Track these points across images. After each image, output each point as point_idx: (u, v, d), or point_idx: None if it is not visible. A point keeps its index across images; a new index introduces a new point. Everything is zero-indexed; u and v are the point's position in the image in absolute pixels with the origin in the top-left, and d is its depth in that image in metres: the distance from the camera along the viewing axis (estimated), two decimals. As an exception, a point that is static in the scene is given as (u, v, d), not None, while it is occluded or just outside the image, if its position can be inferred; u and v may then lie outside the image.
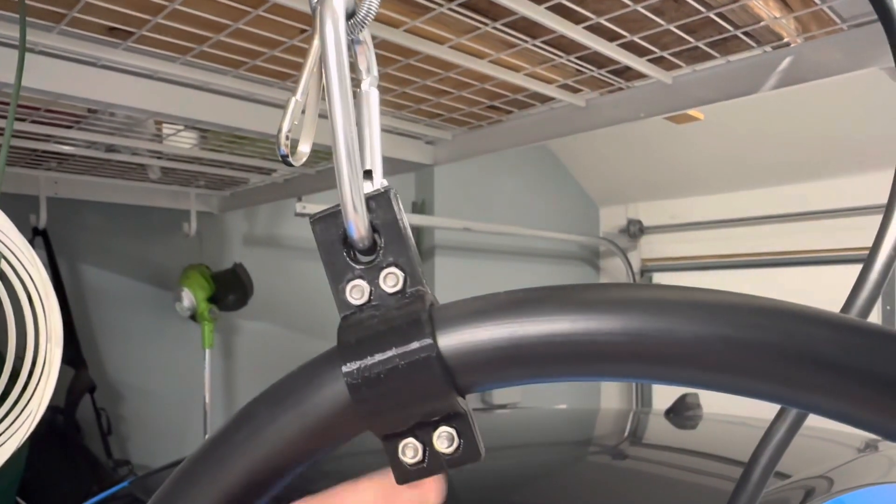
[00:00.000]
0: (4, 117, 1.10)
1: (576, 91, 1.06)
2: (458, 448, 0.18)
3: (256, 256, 2.10)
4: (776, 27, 0.83)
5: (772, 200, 2.74)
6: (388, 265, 0.19)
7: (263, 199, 1.84)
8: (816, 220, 2.63)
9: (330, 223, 0.19)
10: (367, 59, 0.21)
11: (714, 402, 1.80)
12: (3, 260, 0.43)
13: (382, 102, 1.12)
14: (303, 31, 0.83)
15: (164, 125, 1.27)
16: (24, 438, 0.41)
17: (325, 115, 0.19)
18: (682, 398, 1.64)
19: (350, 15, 0.19)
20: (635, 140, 2.75)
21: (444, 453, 0.18)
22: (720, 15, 0.80)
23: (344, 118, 0.18)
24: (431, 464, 0.18)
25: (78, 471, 1.61)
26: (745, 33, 0.84)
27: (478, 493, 1.02)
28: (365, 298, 0.19)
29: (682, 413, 1.61)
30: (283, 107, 0.79)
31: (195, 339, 1.87)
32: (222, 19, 0.79)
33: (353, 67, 0.20)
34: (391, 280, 0.18)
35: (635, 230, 3.15)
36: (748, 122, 2.43)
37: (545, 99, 1.10)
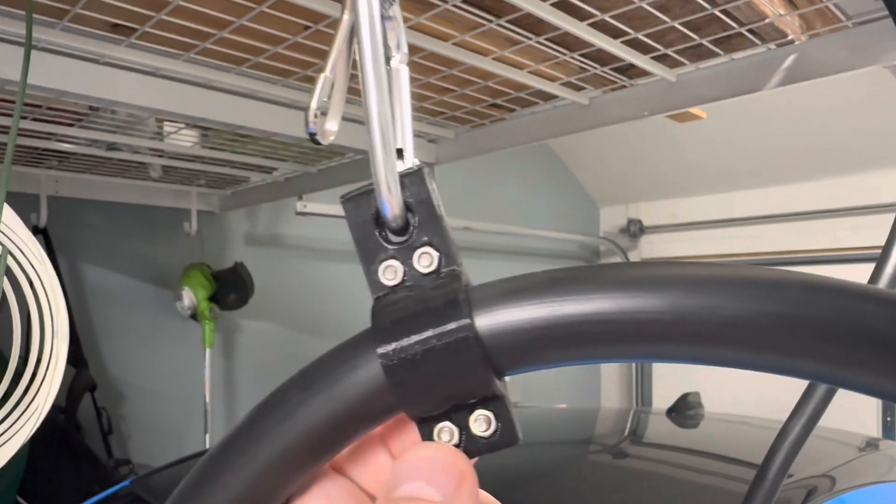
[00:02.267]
0: (5, 114, 1.10)
1: (579, 89, 1.06)
2: (495, 432, 0.18)
3: (257, 255, 2.10)
4: (781, 24, 0.83)
5: (772, 200, 2.74)
6: (422, 245, 0.18)
7: (264, 198, 1.83)
8: (817, 219, 2.63)
9: (362, 202, 0.19)
10: (398, 34, 0.20)
11: (714, 402, 1.80)
12: (10, 256, 0.43)
13: (385, 100, 1.11)
14: (306, 27, 0.83)
15: (166, 123, 1.27)
16: (32, 433, 0.41)
17: (353, 95, 0.18)
18: (684, 397, 1.64)
19: None
20: (636, 140, 2.75)
21: (481, 437, 0.18)
22: (725, 12, 0.80)
23: (378, 95, 0.18)
24: (468, 448, 0.18)
25: (78, 470, 1.61)
26: (750, 31, 0.84)
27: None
28: (399, 279, 0.18)
29: (683, 412, 1.61)
30: (284, 105, 0.79)
31: (196, 339, 1.86)
32: (226, 16, 0.79)
33: (384, 44, 0.20)
34: (425, 260, 0.18)
35: (636, 230, 3.15)
36: (749, 122, 2.43)
37: (548, 97, 1.09)
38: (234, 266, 1.84)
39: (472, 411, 0.18)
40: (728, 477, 1.19)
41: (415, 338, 0.17)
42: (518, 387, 2.58)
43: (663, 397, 2.89)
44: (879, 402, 2.48)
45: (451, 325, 0.16)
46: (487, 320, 0.16)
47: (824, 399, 0.38)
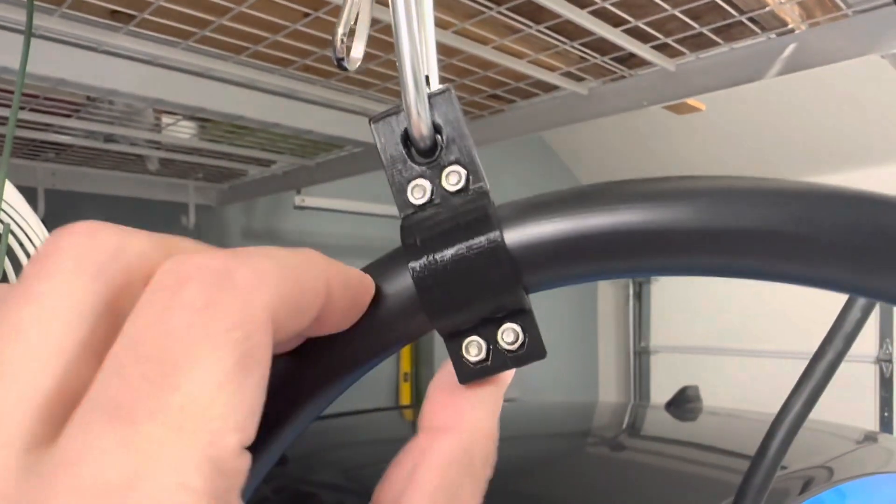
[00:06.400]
0: (3, 105, 1.09)
1: (579, 79, 1.06)
2: (522, 344, 0.18)
3: (255, 250, 2.09)
4: (781, 13, 0.83)
5: (770, 195, 2.73)
6: (450, 164, 0.19)
7: (262, 192, 1.83)
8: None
9: (391, 123, 0.19)
10: None
11: (713, 396, 1.80)
12: (11, 235, 0.43)
13: (383, 91, 1.11)
14: (306, 14, 0.82)
15: (164, 115, 1.26)
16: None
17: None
18: (683, 391, 1.64)
19: None
20: (633, 135, 2.75)
21: (507, 350, 0.18)
22: (725, 0, 0.80)
23: (406, 15, 0.18)
24: (495, 361, 0.18)
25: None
26: (750, 19, 0.84)
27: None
28: (427, 198, 0.19)
29: (682, 406, 1.61)
30: (283, 95, 0.78)
31: (193, 333, 1.86)
32: (225, 2, 0.79)
33: None
34: (453, 178, 0.18)
35: (633, 226, 3.15)
36: (749, 117, 2.43)
37: (548, 87, 1.09)
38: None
39: (500, 325, 0.18)
40: (726, 469, 1.19)
41: (446, 251, 0.17)
42: (515, 383, 2.58)
43: (661, 393, 2.89)
44: (877, 397, 2.49)
45: (482, 238, 0.17)
46: (516, 234, 0.17)
47: (825, 376, 0.39)
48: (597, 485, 1.08)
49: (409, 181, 0.19)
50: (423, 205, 0.19)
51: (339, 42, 0.20)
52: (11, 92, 0.97)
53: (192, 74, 1.00)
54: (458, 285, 0.17)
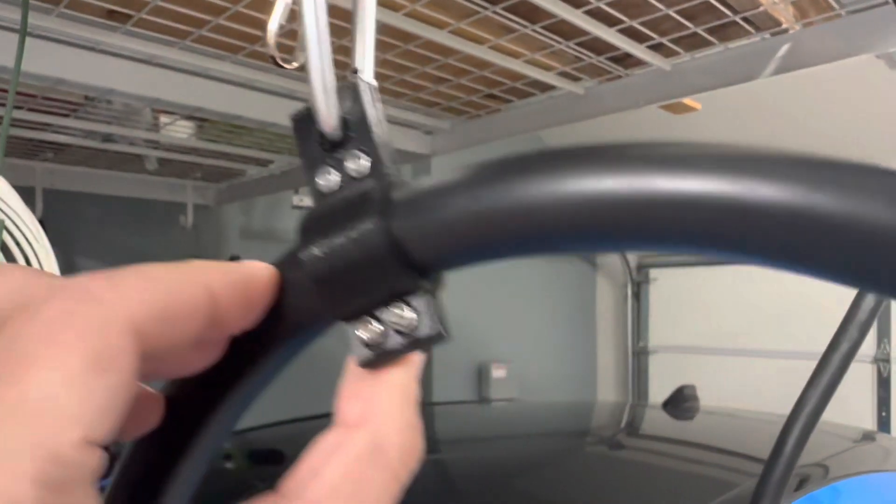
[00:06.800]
0: (0, 104, 1.10)
1: (575, 79, 1.06)
2: (417, 327, 0.18)
3: (253, 249, 2.10)
4: (775, 13, 0.84)
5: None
6: (355, 152, 0.19)
7: (260, 192, 1.83)
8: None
9: (306, 118, 0.20)
10: None
11: (710, 395, 1.81)
12: (3, 230, 0.43)
13: (380, 91, 1.12)
14: (302, 14, 0.83)
15: (161, 115, 1.27)
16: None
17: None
18: (680, 390, 1.64)
19: None
20: (632, 135, 2.75)
21: (404, 332, 0.18)
22: (720, 0, 0.80)
23: (315, 6, 0.18)
24: (393, 344, 0.18)
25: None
26: (745, 19, 0.84)
27: (475, 483, 1.02)
28: (333, 187, 0.19)
29: (679, 405, 1.62)
30: (280, 94, 0.78)
31: (192, 332, 1.86)
32: (222, 2, 0.79)
33: None
34: (356, 165, 0.19)
35: (631, 226, 3.15)
36: (748, 117, 2.43)
37: (544, 87, 1.10)
38: (230, 260, 1.84)
39: (395, 307, 0.18)
40: (722, 467, 1.20)
41: (332, 238, 0.17)
42: (514, 383, 2.59)
43: (659, 393, 2.90)
44: (875, 397, 2.49)
45: (368, 223, 0.17)
46: (405, 215, 0.17)
47: (840, 367, 0.38)
48: (593, 484, 1.08)
49: (318, 171, 0.19)
50: (330, 193, 0.19)
51: (272, 39, 0.20)
52: (5, 91, 0.98)
53: (190, 74, 1.01)
54: (347, 271, 0.17)
